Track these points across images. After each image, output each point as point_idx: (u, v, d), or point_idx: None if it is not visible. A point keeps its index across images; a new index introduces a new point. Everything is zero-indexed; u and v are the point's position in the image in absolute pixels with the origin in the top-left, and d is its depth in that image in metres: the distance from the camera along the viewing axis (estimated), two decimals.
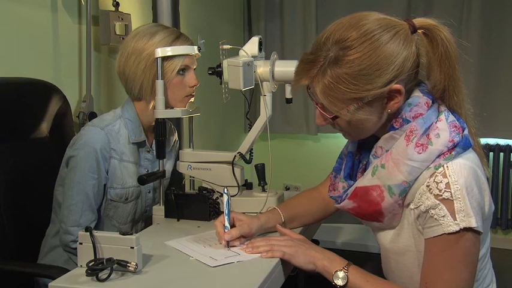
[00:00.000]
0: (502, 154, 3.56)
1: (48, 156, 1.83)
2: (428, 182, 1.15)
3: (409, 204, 1.20)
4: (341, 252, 1.33)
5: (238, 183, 1.67)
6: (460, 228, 1.10)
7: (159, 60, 1.62)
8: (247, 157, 1.70)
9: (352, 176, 1.33)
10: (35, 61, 2.11)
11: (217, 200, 1.64)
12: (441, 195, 1.12)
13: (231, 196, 1.45)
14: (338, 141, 4.01)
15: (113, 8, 2.42)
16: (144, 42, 1.66)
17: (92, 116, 2.23)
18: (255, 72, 1.59)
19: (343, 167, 1.35)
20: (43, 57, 2.16)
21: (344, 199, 1.28)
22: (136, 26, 2.16)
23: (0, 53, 1.95)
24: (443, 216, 1.11)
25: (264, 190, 1.68)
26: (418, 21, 1.18)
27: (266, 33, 3.85)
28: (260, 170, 1.69)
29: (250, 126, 1.68)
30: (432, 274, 1.15)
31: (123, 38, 2.20)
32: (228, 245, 1.37)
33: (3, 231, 1.66)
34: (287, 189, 3.86)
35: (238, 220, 1.42)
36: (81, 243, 1.24)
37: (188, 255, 1.34)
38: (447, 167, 1.14)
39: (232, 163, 1.66)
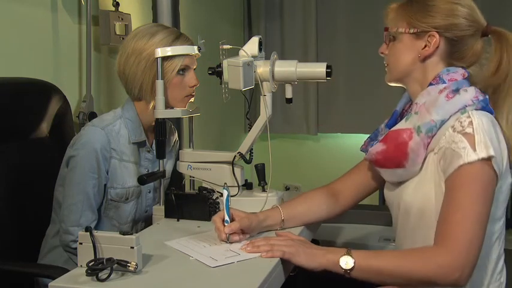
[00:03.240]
0: None
1: (48, 156, 1.82)
2: (453, 124, 1.28)
3: (433, 149, 1.31)
4: None
5: (238, 183, 1.67)
6: (479, 158, 1.21)
7: (159, 60, 1.62)
8: (247, 157, 1.70)
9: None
10: (35, 61, 2.11)
11: (217, 200, 1.63)
12: (464, 130, 1.25)
13: (231, 196, 1.45)
14: (338, 141, 4.04)
15: (113, 8, 2.41)
16: (144, 42, 1.66)
17: (92, 116, 2.23)
18: (255, 72, 1.59)
19: (388, 119, 1.48)
20: (43, 57, 2.15)
21: (377, 142, 1.40)
22: (136, 26, 2.16)
23: (0, 53, 1.95)
24: (464, 148, 1.22)
25: (264, 190, 1.68)
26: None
27: (266, 33, 3.85)
28: (260, 170, 1.69)
29: (250, 126, 1.68)
30: (451, 205, 1.22)
31: (123, 38, 2.19)
32: (229, 239, 1.38)
33: (3, 231, 1.67)
34: (287, 189, 3.85)
35: (237, 216, 1.43)
36: (81, 243, 1.24)
37: (188, 255, 1.34)
38: (471, 112, 1.27)
39: (232, 163, 1.66)
